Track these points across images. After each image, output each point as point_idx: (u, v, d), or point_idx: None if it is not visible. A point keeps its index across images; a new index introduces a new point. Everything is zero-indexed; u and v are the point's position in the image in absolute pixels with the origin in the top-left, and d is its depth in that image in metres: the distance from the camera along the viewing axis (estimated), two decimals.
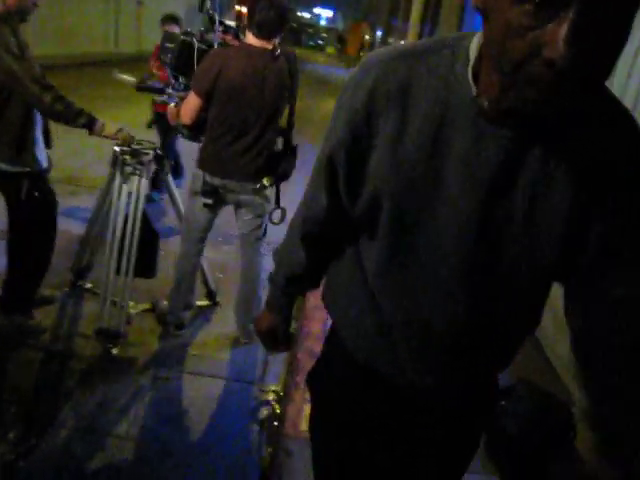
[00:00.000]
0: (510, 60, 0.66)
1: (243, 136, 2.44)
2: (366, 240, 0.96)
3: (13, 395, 2.24)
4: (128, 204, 2.58)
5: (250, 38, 2.39)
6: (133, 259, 2.56)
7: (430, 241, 0.86)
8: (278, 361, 2.78)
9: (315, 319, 3.10)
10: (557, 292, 0.94)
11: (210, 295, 3.16)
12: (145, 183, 2.59)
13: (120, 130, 2.51)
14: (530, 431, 1.22)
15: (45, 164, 2.41)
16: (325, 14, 64.13)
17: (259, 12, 2.30)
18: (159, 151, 2.68)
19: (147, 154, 2.59)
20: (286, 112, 2.55)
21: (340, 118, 0.89)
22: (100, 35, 15.09)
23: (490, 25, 0.70)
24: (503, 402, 1.50)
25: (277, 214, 2.66)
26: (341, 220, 1.00)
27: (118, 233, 2.55)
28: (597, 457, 0.90)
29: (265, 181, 2.51)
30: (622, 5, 0.61)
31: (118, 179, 2.59)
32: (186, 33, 2.57)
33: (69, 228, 3.43)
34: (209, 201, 2.52)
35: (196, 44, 2.49)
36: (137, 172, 2.57)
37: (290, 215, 1.24)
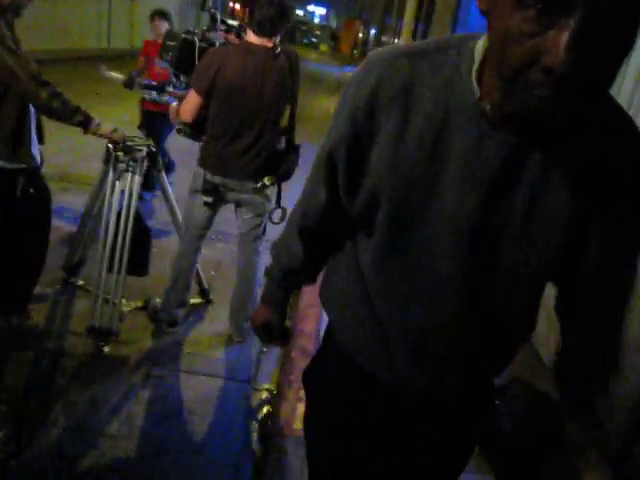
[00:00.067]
0: (510, 66, 0.66)
1: (243, 135, 2.43)
2: (363, 238, 0.95)
3: (3, 393, 2.22)
4: (121, 201, 2.56)
5: (250, 36, 2.38)
6: (126, 256, 2.55)
7: (427, 241, 0.85)
8: (271, 360, 2.78)
9: (309, 317, 3.10)
10: (550, 291, 0.96)
11: (203, 293, 3.15)
12: (138, 180, 2.58)
13: (115, 130, 2.50)
14: (524, 430, 1.22)
15: (39, 160, 2.39)
16: (319, 12, 64.11)
17: (259, 9, 2.28)
18: (152, 148, 2.66)
19: (140, 151, 2.58)
20: (287, 111, 2.53)
21: (342, 115, 0.88)
22: (93, 31, 15.00)
23: (492, 30, 0.70)
24: (497, 401, 1.50)
25: (277, 213, 2.65)
26: (339, 217, 1.00)
27: (111, 230, 2.54)
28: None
29: (266, 180, 2.50)
30: (626, 13, 0.61)
31: (111, 176, 2.58)
32: (188, 32, 2.56)
33: (60, 225, 3.41)
34: (209, 199, 2.52)
35: (197, 42, 2.48)
36: (130, 169, 2.55)
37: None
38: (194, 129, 2.50)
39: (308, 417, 1.24)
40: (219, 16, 2.54)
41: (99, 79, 3.57)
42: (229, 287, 2.93)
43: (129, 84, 3.61)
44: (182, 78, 2.61)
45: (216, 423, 2.29)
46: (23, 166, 2.29)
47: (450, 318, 0.90)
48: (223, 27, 2.56)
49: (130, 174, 2.56)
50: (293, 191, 2.81)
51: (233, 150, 2.44)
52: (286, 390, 2.50)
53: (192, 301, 3.05)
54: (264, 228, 2.70)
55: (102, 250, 2.55)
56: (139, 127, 4.51)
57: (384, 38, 21.07)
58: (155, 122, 4.24)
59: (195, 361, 2.66)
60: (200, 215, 2.61)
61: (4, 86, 2.14)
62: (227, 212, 2.73)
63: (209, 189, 2.50)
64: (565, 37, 0.59)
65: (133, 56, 4.82)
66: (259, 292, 1.35)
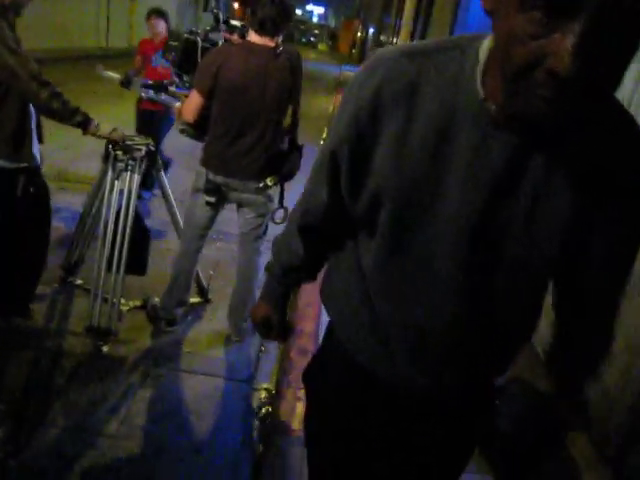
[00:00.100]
0: (513, 67, 0.65)
1: (245, 134, 2.42)
2: (365, 238, 0.95)
3: (2, 393, 2.22)
4: (120, 200, 2.56)
5: (252, 36, 2.37)
6: (125, 255, 2.54)
7: (429, 241, 0.85)
8: (270, 359, 2.78)
9: (308, 317, 3.10)
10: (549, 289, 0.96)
11: (202, 292, 3.15)
12: (137, 179, 2.57)
13: (114, 130, 2.49)
14: (524, 430, 1.22)
15: (39, 159, 2.39)
16: (317, 11, 64.12)
17: (261, 9, 2.27)
18: (152, 147, 2.66)
19: (139, 150, 2.57)
20: (290, 111, 2.53)
21: (345, 114, 0.87)
22: (92, 30, 14.97)
23: (496, 31, 0.70)
24: (497, 401, 1.50)
25: (280, 214, 2.65)
26: (340, 216, 0.99)
27: (110, 229, 2.53)
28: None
29: (269, 181, 2.50)
30: (631, 17, 0.60)
31: (110, 175, 2.57)
32: (191, 32, 2.57)
33: (59, 224, 3.40)
34: (211, 199, 2.51)
35: (200, 43, 2.48)
36: (129, 168, 2.55)
37: None
38: (196, 129, 2.50)
39: (308, 417, 1.24)
40: (222, 16, 2.53)
41: (97, 78, 3.56)
42: (227, 286, 2.93)
43: (126, 83, 3.61)
44: (185, 78, 2.60)
45: (215, 422, 2.28)
46: (24, 165, 2.29)
47: (451, 318, 0.89)
48: (225, 27, 2.56)
49: (129, 173, 2.55)
50: (295, 191, 2.82)
51: (235, 150, 2.44)
52: (285, 389, 2.50)
53: (191, 300, 3.05)
54: (266, 228, 2.70)
55: (101, 249, 2.54)
56: (137, 130, 4.44)
57: (383, 37, 21.05)
58: (153, 122, 4.21)
59: (194, 360, 2.66)
60: (202, 215, 2.61)
61: (5, 86, 2.14)
62: (226, 211, 2.72)
63: (211, 189, 2.50)
64: (570, 41, 0.59)
65: (132, 55, 4.80)
66: (259, 292, 1.35)
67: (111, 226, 2.53)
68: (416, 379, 0.97)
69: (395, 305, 0.93)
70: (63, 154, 5.04)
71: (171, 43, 2.55)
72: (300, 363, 2.69)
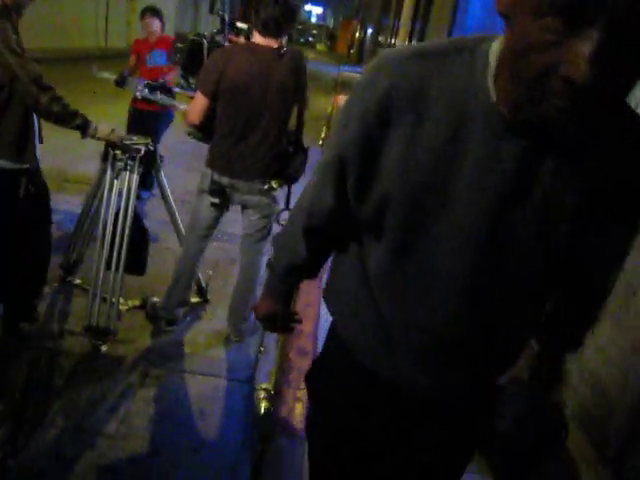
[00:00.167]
0: (527, 74, 0.65)
1: (249, 135, 2.42)
2: (371, 239, 0.94)
3: (1, 393, 2.22)
4: (119, 199, 2.55)
5: (256, 37, 2.37)
6: (124, 255, 2.54)
7: (436, 243, 0.85)
8: (270, 359, 2.77)
9: (307, 317, 3.09)
10: None
11: (201, 292, 3.14)
12: (136, 178, 2.57)
13: (113, 131, 2.49)
14: (523, 430, 1.22)
15: (40, 160, 2.38)
16: (315, 11, 64.13)
17: (264, 9, 2.27)
18: (151, 147, 2.65)
19: (139, 150, 2.57)
20: (295, 112, 2.52)
21: (352, 118, 0.86)
22: (91, 30, 14.95)
23: (510, 34, 0.69)
24: (496, 401, 1.50)
25: (285, 215, 2.65)
26: (345, 218, 0.99)
27: (109, 228, 2.53)
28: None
29: (274, 183, 2.50)
30: None
31: (109, 174, 2.57)
32: (197, 34, 2.58)
33: (58, 224, 3.39)
34: (216, 200, 2.51)
35: (206, 45, 2.48)
36: (128, 167, 2.55)
37: None
38: (203, 131, 2.50)
39: (311, 418, 1.24)
40: (227, 18, 2.54)
41: (96, 78, 3.55)
42: (226, 286, 2.92)
43: (120, 82, 3.60)
44: (191, 80, 2.61)
45: (214, 423, 2.28)
46: (26, 167, 2.28)
47: (454, 319, 0.89)
48: (229, 29, 2.57)
49: (128, 172, 2.55)
50: (299, 193, 2.81)
51: (240, 150, 2.44)
52: (284, 390, 2.50)
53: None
54: (270, 230, 2.70)
55: (100, 249, 2.54)
56: (127, 129, 4.28)
57: (381, 38, 21.06)
58: (148, 121, 4.16)
59: (193, 361, 2.66)
60: (206, 216, 2.61)
61: (9, 88, 2.13)
62: (230, 212, 2.72)
63: (216, 190, 2.50)
64: (586, 48, 0.58)
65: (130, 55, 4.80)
66: (259, 292, 1.36)
67: (110, 226, 2.53)
68: (419, 379, 0.97)
69: (399, 305, 0.93)
70: (62, 155, 5.02)
71: (178, 45, 2.56)
72: (299, 363, 2.69)
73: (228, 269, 3.51)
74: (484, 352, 0.96)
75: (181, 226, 2.94)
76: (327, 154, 0.97)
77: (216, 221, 2.66)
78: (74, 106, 2.30)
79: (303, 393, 2.47)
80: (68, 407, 2.20)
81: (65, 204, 3.89)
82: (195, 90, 2.51)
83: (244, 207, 2.65)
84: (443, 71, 0.79)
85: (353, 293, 1.01)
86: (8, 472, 1.89)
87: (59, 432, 2.07)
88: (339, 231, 1.04)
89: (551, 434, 1.13)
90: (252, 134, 2.42)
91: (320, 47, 48.86)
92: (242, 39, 2.59)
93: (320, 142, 7.47)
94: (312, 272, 1.21)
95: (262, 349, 2.82)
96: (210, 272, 3.40)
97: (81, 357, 2.50)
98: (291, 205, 2.66)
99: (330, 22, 62.11)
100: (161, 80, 3.51)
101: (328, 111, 10.92)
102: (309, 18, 63.48)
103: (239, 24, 2.65)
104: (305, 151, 2.61)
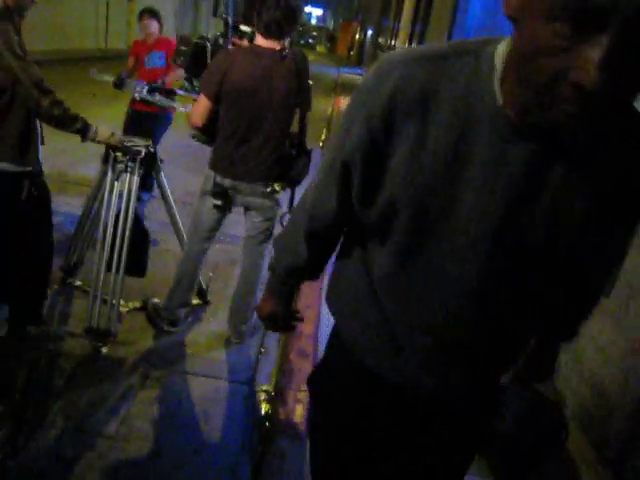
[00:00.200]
0: (536, 78, 0.65)
1: (252, 137, 2.42)
2: (375, 242, 0.94)
3: (2, 394, 2.22)
4: (119, 201, 2.56)
5: (259, 39, 2.37)
6: (124, 257, 2.54)
7: (442, 246, 0.85)
8: (270, 361, 2.77)
9: (307, 319, 3.09)
10: None
11: (201, 294, 3.14)
12: (137, 180, 2.57)
13: (112, 135, 2.50)
14: (524, 430, 1.22)
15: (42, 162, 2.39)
16: (315, 13, 64.14)
17: (266, 11, 2.27)
18: (151, 149, 2.66)
19: (139, 151, 2.57)
20: (298, 115, 2.52)
21: (356, 122, 0.85)
22: (91, 31, 14.97)
23: (519, 38, 0.68)
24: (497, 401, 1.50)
25: (288, 218, 2.64)
26: (349, 222, 0.99)
27: (109, 230, 2.53)
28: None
29: (277, 186, 2.50)
30: None
31: (110, 176, 2.57)
32: (201, 37, 2.59)
33: (58, 226, 3.39)
34: (219, 202, 2.52)
35: (209, 47, 2.49)
36: (129, 169, 2.55)
37: None
38: (206, 134, 2.50)
39: (314, 419, 1.24)
40: (230, 21, 2.54)
41: (95, 80, 3.56)
42: (227, 288, 2.92)
43: (118, 84, 3.61)
44: (195, 82, 2.61)
45: (215, 424, 2.28)
46: (29, 169, 2.29)
47: (459, 320, 0.90)
48: (232, 32, 2.57)
49: (129, 174, 2.55)
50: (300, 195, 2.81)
51: (243, 152, 2.44)
52: (285, 391, 2.50)
53: None
54: (272, 232, 2.70)
55: (100, 251, 2.54)
56: (124, 131, 4.25)
57: (381, 40, 21.07)
58: (146, 123, 4.15)
59: (193, 362, 2.65)
60: (209, 218, 2.61)
61: (11, 91, 2.14)
62: (232, 213, 2.72)
63: (219, 192, 2.50)
64: (597, 54, 0.58)
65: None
66: (260, 294, 1.37)
67: (110, 228, 2.53)
68: (422, 380, 0.98)
69: (403, 307, 0.93)
70: (63, 157, 5.03)
71: (181, 48, 2.57)
72: (300, 365, 2.69)
73: (228, 271, 3.51)
74: (488, 352, 0.96)
75: (182, 228, 2.95)
76: (327, 157, 0.96)
77: (218, 223, 2.66)
78: (74, 109, 2.30)
79: (303, 395, 2.47)
80: (68, 408, 2.20)
81: (65, 206, 3.89)
82: (199, 93, 2.51)
83: (247, 209, 2.65)
84: (448, 75, 0.78)
85: (356, 294, 1.01)
86: (8, 473, 1.89)
87: (59, 433, 2.07)
88: (341, 233, 1.04)
89: (551, 434, 1.13)
90: (255, 136, 2.42)
91: (320, 49, 48.86)
92: (245, 42, 2.59)
93: (320, 144, 7.47)
94: (313, 273, 1.21)
95: (262, 350, 2.82)
96: (211, 274, 3.40)
97: (81, 359, 2.50)
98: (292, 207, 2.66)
99: (330, 24, 62.12)
100: (160, 81, 3.51)
101: (328, 113, 10.92)
102: (309, 20, 63.48)
103: (242, 27, 2.65)
104: (308, 153, 2.60)
